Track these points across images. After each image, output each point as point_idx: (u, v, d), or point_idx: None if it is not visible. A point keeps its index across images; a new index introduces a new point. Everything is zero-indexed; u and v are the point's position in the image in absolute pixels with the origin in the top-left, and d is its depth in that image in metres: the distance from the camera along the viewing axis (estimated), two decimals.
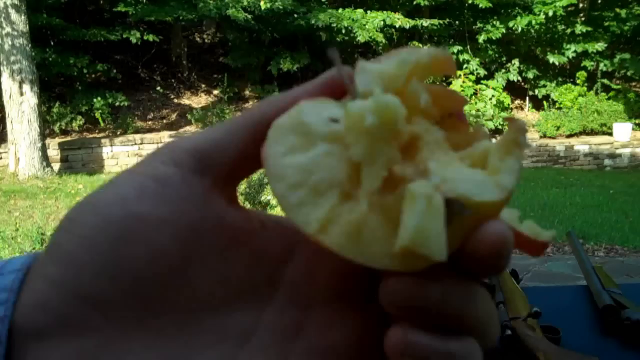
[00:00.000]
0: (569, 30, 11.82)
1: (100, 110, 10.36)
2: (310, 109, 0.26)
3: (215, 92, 12.03)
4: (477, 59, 11.72)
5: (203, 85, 12.26)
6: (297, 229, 0.25)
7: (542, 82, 12.14)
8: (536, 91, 12.23)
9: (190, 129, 10.65)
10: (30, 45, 8.78)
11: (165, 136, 10.24)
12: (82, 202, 0.26)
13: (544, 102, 12.13)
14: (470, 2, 11.37)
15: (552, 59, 11.72)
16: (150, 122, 11.09)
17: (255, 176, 6.96)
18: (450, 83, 11.75)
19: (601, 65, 11.97)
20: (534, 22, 11.26)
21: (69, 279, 0.24)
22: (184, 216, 0.26)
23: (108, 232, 0.24)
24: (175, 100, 11.81)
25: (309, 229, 0.24)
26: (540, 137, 11.25)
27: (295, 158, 0.25)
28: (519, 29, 11.37)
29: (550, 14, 11.20)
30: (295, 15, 11.06)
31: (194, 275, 0.26)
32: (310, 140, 0.25)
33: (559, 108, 11.76)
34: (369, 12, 11.13)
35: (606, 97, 11.79)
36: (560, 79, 12.37)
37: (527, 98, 12.55)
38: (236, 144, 0.28)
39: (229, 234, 0.27)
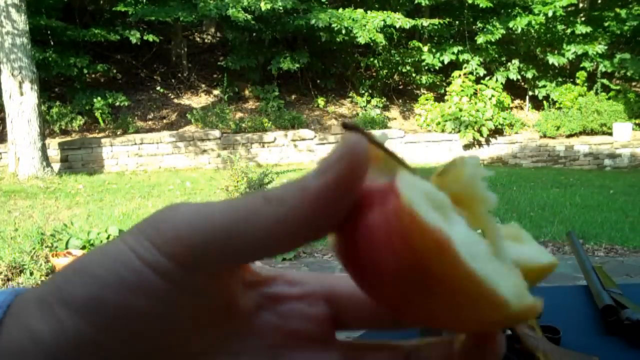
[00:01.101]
0: (568, 31, 11.82)
1: (100, 110, 10.36)
2: (415, 183, 0.24)
3: (215, 92, 12.03)
4: (477, 59, 11.72)
5: (203, 85, 12.26)
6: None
7: (542, 82, 12.14)
8: (536, 91, 12.23)
9: (190, 128, 10.65)
10: (30, 44, 8.79)
11: (165, 136, 10.24)
12: (75, 267, 0.25)
13: (544, 102, 12.13)
14: (470, 2, 11.37)
15: (552, 59, 11.72)
16: (150, 122, 11.09)
17: (254, 176, 6.95)
18: (450, 83, 11.76)
19: (601, 65, 11.97)
20: (533, 22, 11.26)
21: (52, 342, 0.24)
22: (175, 312, 0.26)
23: (98, 314, 0.24)
24: (175, 100, 11.81)
25: (516, 294, 0.23)
26: (540, 137, 11.26)
27: (462, 232, 0.24)
28: (519, 29, 11.37)
29: (550, 14, 11.20)
30: (295, 15, 11.06)
31: (177, 341, 0.27)
32: (445, 212, 0.24)
33: (559, 108, 11.76)
34: (369, 12, 11.12)
35: (606, 97, 11.78)
36: (560, 79, 12.37)
37: (527, 98, 12.55)
38: (243, 234, 0.25)
39: (218, 311, 0.28)
